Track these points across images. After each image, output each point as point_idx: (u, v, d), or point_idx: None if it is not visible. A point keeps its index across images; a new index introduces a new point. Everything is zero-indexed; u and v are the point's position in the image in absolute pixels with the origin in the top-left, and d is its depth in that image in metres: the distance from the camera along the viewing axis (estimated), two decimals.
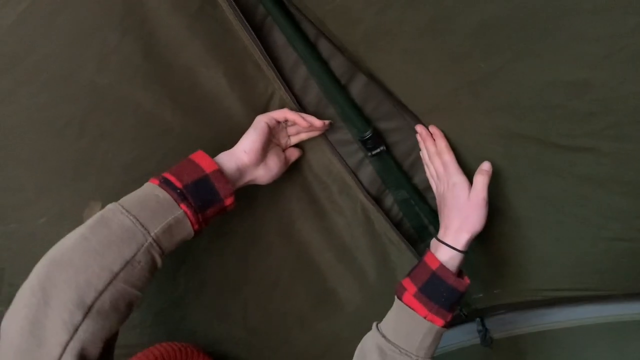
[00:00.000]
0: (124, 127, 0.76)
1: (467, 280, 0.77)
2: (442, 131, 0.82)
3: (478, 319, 1.11)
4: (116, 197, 0.65)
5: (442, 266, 0.75)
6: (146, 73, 0.74)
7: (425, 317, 0.75)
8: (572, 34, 0.50)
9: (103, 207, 0.64)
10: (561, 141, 0.64)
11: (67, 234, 0.71)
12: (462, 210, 0.77)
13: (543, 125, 0.63)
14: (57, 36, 0.67)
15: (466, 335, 1.13)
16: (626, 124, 0.55)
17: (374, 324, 0.81)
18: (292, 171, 0.91)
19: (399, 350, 0.75)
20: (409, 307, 0.76)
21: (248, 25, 0.79)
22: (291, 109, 0.86)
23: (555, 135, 0.63)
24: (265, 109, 0.86)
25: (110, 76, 0.71)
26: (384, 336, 0.77)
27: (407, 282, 0.78)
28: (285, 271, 0.99)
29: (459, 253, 0.76)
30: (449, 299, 0.75)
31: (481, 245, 0.91)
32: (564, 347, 1.07)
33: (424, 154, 0.89)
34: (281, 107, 0.86)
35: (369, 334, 0.82)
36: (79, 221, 0.63)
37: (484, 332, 1.10)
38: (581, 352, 1.04)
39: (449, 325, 0.77)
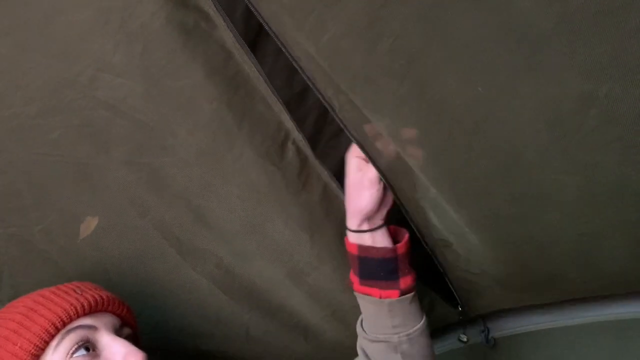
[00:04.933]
0: (119, 143, 0.73)
1: (404, 237, 0.78)
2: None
3: (480, 319, 1.11)
4: (113, 215, 0.64)
5: (360, 247, 0.77)
6: (143, 94, 0.69)
7: (380, 297, 0.77)
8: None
9: (99, 223, 0.62)
10: None
11: (62, 245, 0.69)
12: (347, 195, 0.78)
13: None
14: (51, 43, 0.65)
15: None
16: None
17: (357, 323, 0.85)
18: None
19: (378, 339, 0.79)
20: (365, 294, 0.79)
21: (249, 50, 0.68)
22: (304, 152, 0.78)
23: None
24: (280, 155, 0.77)
25: (106, 92, 0.68)
26: (364, 330, 0.82)
27: (351, 274, 0.82)
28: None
29: (363, 232, 0.77)
30: (386, 269, 0.76)
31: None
32: (566, 345, 1.06)
33: None
34: (297, 152, 0.78)
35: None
36: (75, 234, 0.62)
37: (486, 332, 1.09)
38: (583, 350, 1.04)
39: (411, 288, 0.78)
